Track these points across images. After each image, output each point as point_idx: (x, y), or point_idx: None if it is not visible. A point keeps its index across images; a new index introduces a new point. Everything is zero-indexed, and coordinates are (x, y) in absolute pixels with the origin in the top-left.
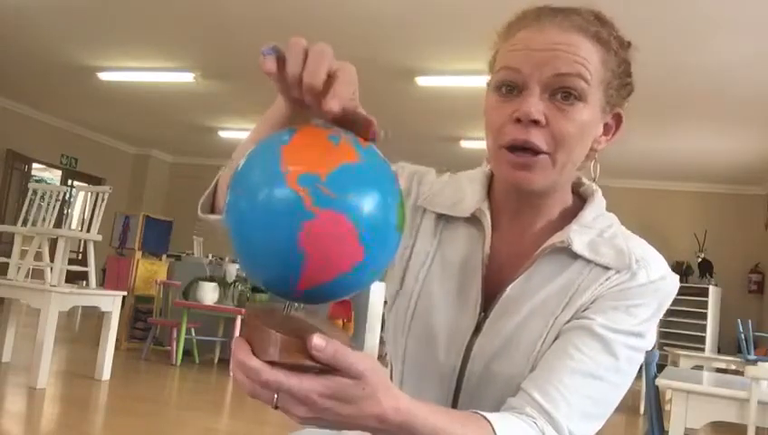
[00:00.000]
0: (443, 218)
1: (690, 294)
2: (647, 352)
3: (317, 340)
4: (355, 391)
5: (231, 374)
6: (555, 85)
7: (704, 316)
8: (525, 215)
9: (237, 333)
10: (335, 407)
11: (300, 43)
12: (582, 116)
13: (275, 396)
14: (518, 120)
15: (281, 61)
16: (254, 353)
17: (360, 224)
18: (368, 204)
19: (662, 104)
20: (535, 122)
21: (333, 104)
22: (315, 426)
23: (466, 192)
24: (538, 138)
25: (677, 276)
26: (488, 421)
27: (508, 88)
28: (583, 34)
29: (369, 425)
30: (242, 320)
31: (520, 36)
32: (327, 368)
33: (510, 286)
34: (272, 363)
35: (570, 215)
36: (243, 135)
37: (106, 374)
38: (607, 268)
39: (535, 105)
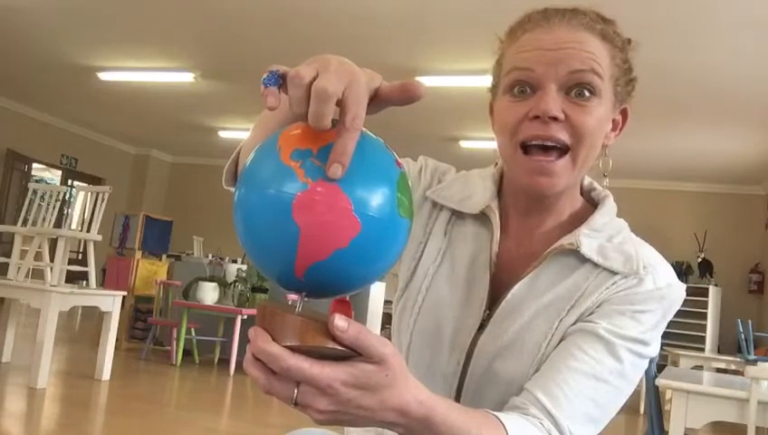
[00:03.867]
0: (454, 216)
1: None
2: None
3: (339, 321)
4: (378, 377)
5: (232, 374)
6: (571, 82)
7: (704, 316)
8: (535, 215)
9: (237, 332)
10: (358, 397)
11: (300, 78)
12: (599, 110)
13: (295, 391)
14: (536, 118)
15: (283, 88)
16: (274, 340)
17: (355, 195)
18: (361, 176)
19: (662, 104)
20: (554, 119)
21: (335, 171)
22: (332, 424)
23: (476, 189)
24: (559, 132)
25: (684, 285)
26: (501, 423)
27: (521, 88)
28: (591, 32)
29: (389, 419)
30: (258, 311)
31: (527, 38)
32: (348, 354)
33: (516, 286)
34: (292, 350)
35: (580, 218)
36: (243, 135)
37: (106, 374)
38: (614, 273)
39: (554, 102)
